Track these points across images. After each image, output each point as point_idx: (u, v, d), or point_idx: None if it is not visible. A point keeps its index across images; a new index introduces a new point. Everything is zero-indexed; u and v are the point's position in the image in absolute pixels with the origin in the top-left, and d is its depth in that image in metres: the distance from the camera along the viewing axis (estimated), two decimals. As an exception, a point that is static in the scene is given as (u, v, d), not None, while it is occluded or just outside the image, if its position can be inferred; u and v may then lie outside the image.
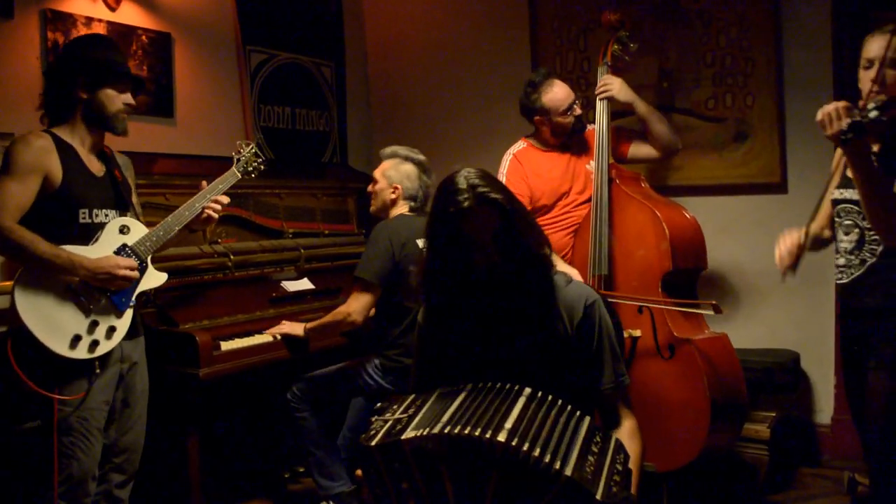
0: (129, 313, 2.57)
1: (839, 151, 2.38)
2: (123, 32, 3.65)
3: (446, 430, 1.59)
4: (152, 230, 2.67)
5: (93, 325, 2.46)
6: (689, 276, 3.23)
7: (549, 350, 1.87)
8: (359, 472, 1.74)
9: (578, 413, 1.72)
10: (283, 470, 3.65)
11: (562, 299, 1.91)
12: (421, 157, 3.34)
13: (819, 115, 2.01)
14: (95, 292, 2.48)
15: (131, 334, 2.62)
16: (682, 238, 3.14)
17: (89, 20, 3.50)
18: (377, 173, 3.34)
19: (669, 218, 3.13)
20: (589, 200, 3.34)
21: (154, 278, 2.68)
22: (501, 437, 1.54)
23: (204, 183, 2.86)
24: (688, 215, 3.24)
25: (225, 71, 4.19)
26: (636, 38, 3.53)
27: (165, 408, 2.98)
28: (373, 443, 1.64)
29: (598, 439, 1.68)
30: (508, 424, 1.58)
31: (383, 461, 1.64)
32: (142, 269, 2.61)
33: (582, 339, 1.90)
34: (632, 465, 1.74)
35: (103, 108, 2.55)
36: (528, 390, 1.72)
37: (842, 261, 2.31)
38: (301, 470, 3.66)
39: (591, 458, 1.60)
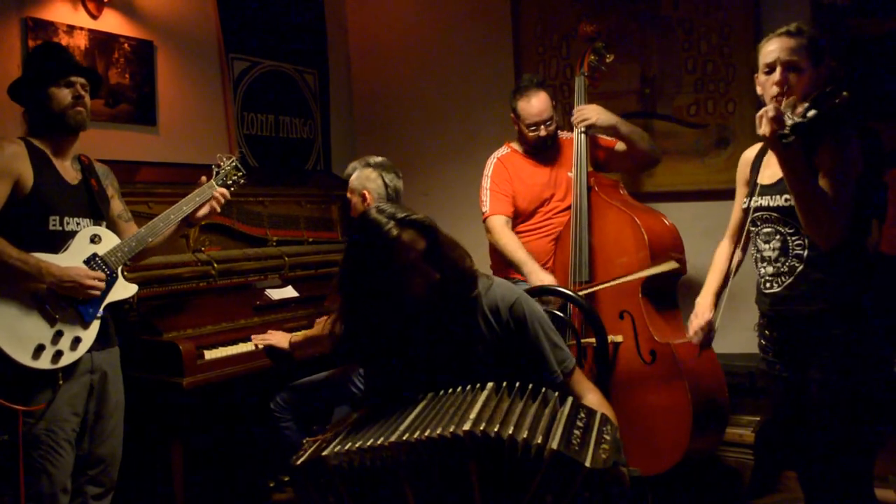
0: (95, 324, 2.54)
1: (742, 164, 2.47)
2: (105, 40, 3.64)
3: (405, 438, 1.61)
4: (124, 241, 2.65)
5: (57, 335, 2.43)
6: (668, 281, 3.25)
7: (479, 357, 1.90)
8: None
9: (557, 394, 1.74)
10: (267, 479, 3.64)
11: (486, 304, 1.94)
12: (377, 159, 3.26)
13: (759, 114, 2.01)
14: (62, 301, 2.45)
15: (103, 345, 2.60)
16: (661, 244, 3.16)
17: (71, 28, 3.49)
18: (347, 194, 3.30)
19: (648, 224, 3.16)
20: (569, 208, 3.36)
21: (124, 290, 2.65)
22: (466, 427, 1.55)
23: (203, 178, 2.86)
24: (667, 222, 3.26)
25: (208, 79, 4.19)
26: (613, 48, 3.55)
27: (148, 418, 2.97)
28: (298, 462, 1.71)
29: (583, 415, 1.70)
30: (472, 415, 1.59)
31: (310, 478, 1.69)
32: (112, 280, 2.58)
33: (516, 340, 1.92)
34: None
35: (51, 110, 2.52)
36: (490, 384, 1.73)
37: (770, 269, 2.26)
38: (286, 479, 3.64)
39: (576, 432, 1.61)
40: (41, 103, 2.53)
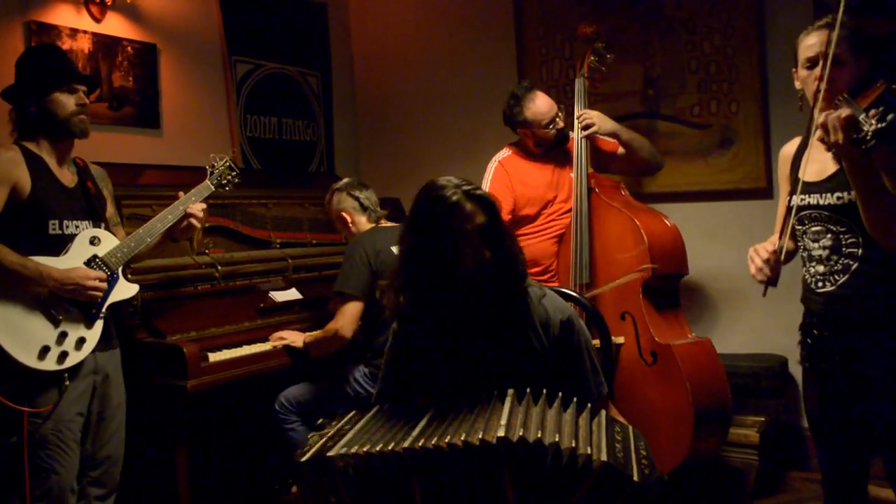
0: (99, 324, 2.56)
1: (782, 159, 2.37)
2: (109, 43, 3.66)
3: (420, 444, 1.57)
4: (123, 241, 2.66)
5: (62, 336, 2.44)
6: (669, 281, 3.24)
7: (523, 364, 1.87)
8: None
9: (589, 405, 1.71)
10: (273, 482, 3.64)
11: (536, 313, 1.91)
12: (342, 181, 3.46)
13: (822, 119, 1.88)
14: (65, 303, 2.47)
15: (105, 346, 2.60)
16: (661, 244, 3.15)
17: (74, 31, 3.51)
18: (336, 225, 3.51)
19: (648, 225, 3.15)
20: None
21: (125, 290, 2.66)
22: (500, 433, 1.50)
23: (181, 193, 2.85)
24: (667, 222, 3.25)
25: (211, 81, 4.20)
26: (613, 48, 3.54)
27: (153, 421, 2.97)
28: (303, 459, 1.67)
29: (618, 428, 1.68)
30: (503, 421, 1.55)
31: (314, 476, 1.67)
32: (113, 281, 2.59)
33: (560, 355, 1.90)
34: None
35: (55, 115, 2.52)
36: (511, 391, 1.69)
37: (821, 268, 2.18)
38: (291, 482, 3.64)
39: (617, 445, 1.59)
40: (44, 108, 2.53)
